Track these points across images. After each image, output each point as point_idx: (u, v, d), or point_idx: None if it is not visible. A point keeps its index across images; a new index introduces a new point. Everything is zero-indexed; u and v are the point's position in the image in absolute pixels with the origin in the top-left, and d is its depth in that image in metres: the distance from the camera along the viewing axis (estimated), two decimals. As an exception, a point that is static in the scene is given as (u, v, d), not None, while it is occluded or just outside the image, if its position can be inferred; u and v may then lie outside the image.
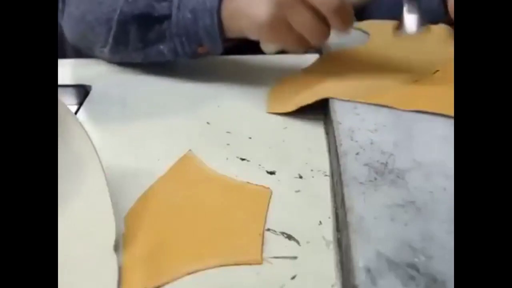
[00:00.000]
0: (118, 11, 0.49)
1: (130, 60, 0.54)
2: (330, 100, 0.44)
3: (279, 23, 0.43)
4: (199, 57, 0.52)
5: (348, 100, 0.43)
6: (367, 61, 0.48)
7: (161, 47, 0.51)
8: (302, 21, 0.42)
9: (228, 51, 0.54)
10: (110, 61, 0.57)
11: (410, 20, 0.44)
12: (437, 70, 0.46)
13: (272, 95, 0.51)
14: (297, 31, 0.43)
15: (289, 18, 0.42)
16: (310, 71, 0.51)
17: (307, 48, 0.45)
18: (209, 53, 0.51)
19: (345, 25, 0.43)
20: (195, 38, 0.49)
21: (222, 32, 0.48)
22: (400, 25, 0.45)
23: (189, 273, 0.31)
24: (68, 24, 0.56)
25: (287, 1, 0.41)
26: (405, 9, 0.44)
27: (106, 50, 0.53)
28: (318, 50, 0.60)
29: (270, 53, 0.50)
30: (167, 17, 0.48)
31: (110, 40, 0.52)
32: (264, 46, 0.50)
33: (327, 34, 0.44)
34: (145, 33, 0.50)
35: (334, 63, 0.50)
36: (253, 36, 0.47)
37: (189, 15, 0.47)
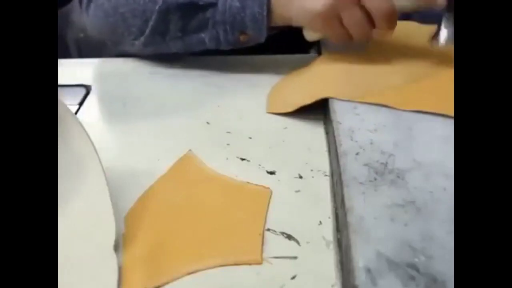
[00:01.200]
0: (160, 1, 0.50)
1: (165, 51, 0.54)
2: (330, 100, 0.44)
3: (332, 16, 0.45)
4: (240, 46, 0.52)
5: (348, 100, 0.43)
6: (367, 61, 0.49)
7: (202, 35, 0.51)
8: (353, 19, 0.45)
9: (228, 51, 0.54)
10: (141, 53, 0.57)
11: (447, 33, 0.46)
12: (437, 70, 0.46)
13: (272, 95, 0.51)
14: (346, 26, 0.45)
15: (341, 13, 0.45)
16: (309, 71, 0.51)
17: (348, 43, 0.47)
18: (251, 42, 0.52)
19: (389, 30, 0.45)
20: (240, 26, 0.50)
21: (269, 20, 0.49)
22: (435, 36, 0.47)
23: (189, 273, 0.31)
24: (95, 17, 0.55)
25: None
26: (443, 21, 0.46)
27: (139, 42, 0.54)
28: (318, 50, 0.60)
29: (311, 40, 0.51)
30: (212, 5, 0.49)
31: (147, 31, 0.52)
32: (307, 34, 0.51)
33: (370, 35, 0.46)
34: (187, 22, 0.51)
35: (334, 63, 0.50)
36: (301, 24, 0.49)
37: (237, 4, 0.49)
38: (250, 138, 0.45)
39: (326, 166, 0.41)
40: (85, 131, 0.35)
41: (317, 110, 0.48)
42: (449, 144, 0.36)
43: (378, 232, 0.29)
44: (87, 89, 0.54)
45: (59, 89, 0.33)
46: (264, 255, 0.32)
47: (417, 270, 0.26)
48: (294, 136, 0.45)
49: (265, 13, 0.48)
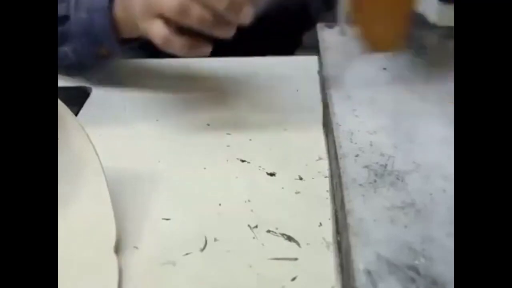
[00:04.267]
0: None
1: None
2: (330, 102, 0.44)
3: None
4: (104, 60, 0.50)
5: (348, 101, 0.43)
6: None
7: (66, 48, 0.50)
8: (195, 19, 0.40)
9: (227, 52, 0.54)
10: None
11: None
12: None
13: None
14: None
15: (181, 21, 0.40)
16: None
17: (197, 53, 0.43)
18: (112, 55, 0.50)
19: (241, 18, 0.41)
20: (95, 39, 0.48)
21: (115, 31, 0.47)
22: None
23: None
24: None
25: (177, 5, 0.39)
26: None
27: None
28: (316, 49, 0.60)
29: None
30: (67, 18, 0.48)
31: None
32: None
33: (224, 31, 0.41)
34: None
35: None
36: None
37: (85, 15, 0.47)
38: (250, 140, 0.45)
39: (326, 168, 0.41)
40: (85, 132, 0.35)
41: (317, 112, 0.48)
42: (449, 146, 0.36)
43: (378, 234, 0.29)
44: (87, 91, 0.54)
45: (59, 91, 0.33)
46: (264, 256, 0.32)
47: (418, 272, 0.26)
48: (294, 137, 0.45)
49: (108, 25, 0.46)
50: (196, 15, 0.40)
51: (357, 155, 0.36)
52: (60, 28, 0.48)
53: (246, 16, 0.41)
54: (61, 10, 0.48)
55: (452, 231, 0.29)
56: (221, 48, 0.50)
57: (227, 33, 0.42)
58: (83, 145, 0.35)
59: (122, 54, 0.48)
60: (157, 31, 0.41)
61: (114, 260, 0.31)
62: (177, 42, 0.41)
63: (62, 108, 0.34)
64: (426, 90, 0.44)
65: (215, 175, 0.41)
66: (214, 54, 0.53)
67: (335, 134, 0.39)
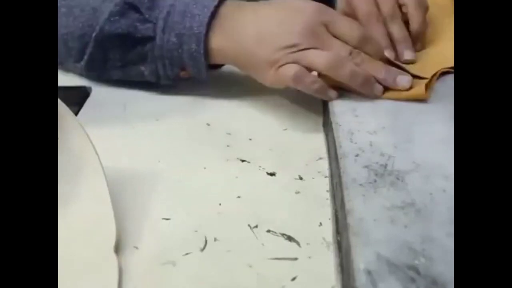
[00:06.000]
0: (97, 28, 0.48)
1: (107, 78, 0.53)
2: (330, 102, 0.44)
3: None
4: (180, 80, 0.50)
5: (348, 101, 0.43)
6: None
7: (142, 68, 0.50)
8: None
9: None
10: (86, 76, 0.55)
11: None
12: None
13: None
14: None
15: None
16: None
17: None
18: (193, 78, 0.49)
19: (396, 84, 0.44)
20: (179, 62, 0.47)
21: (207, 58, 0.46)
22: None
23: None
24: None
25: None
26: None
27: (80, 65, 0.52)
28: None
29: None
30: (151, 39, 0.47)
31: (86, 56, 0.50)
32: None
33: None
34: (125, 53, 0.49)
35: None
36: (249, 73, 0.47)
37: (174, 39, 0.46)
38: (250, 139, 0.45)
39: (326, 168, 0.41)
40: (85, 132, 0.35)
41: (317, 112, 0.48)
42: (449, 146, 0.36)
43: (378, 234, 0.29)
44: (87, 91, 0.54)
45: (59, 91, 0.33)
46: (264, 256, 0.32)
47: (418, 272, 0.26)
48: (294, 137, 0.45)
49: (202, 51, 0.45)
50: (349, 72, 0.42)
51: (357, 155, 0.36)
52: (140, 48, 0.48)
53: (403, 83, 0.43)
54: (147, 31, 0.47)
55: (452, 231, 0.29)
56: None
57: (375, 92, 0.44)
58: (83, 145, 0.35)
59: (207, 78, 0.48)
60: (290, 69, 0.42)
61: (114, 260, 0.31)
62: (308, 79, 0.43)
63: (62, 108, 0.34)
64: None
65: (215, 175, 0.41)
66: None
67: (335, 134, 0.39)
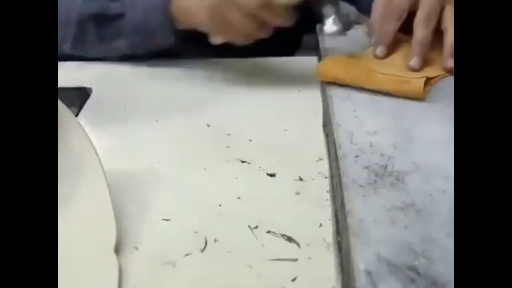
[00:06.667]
0: (75, 13, 0.54)
1: (91, 56, 0.59)
2: (330, 103, 0.44)
3: (219, 20, 0.48)
4: (155, 50, 0.56)
5: (348, 101, 0.43)
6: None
7: (118, 43, 0.55)
8: (234, 19, 0.47)
9: (228, 53, 0.54)
10: (73, 55, 0.60)
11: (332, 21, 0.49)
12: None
13: (323, 66, 0.50)
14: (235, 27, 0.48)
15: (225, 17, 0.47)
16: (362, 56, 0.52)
17: (253, 40, 0.49)
18: (163, 45, 0.55)
19: (277, 20, 0.47)
20: (150, 33, 0.53)
21: (172, 25, 0.52)
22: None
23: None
24: None
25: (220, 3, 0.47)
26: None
27: (66, 46, 0.57)
28: (316, 52, 0.60)
29: (216, 43, 0.52)
30: (121, 15, 0.54)
31: (70, 38, 0.56)
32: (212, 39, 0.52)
33: (259, 31, 0.48)
34: (102, 31, 0.55)
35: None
36: (200, 25, 0.51)
37: (140, 13, 0.53)
38: (250, 140, 0.45)
39: (326, 169, 0.41)
40: (86, 133, 0.35)
41: (317, 112, 0.48)
42: (449, 147, 0.36)
43: (378, 235, 0.29)
44: (88, 92, 0.54)
45: (60, 92, 0.33)
46: (264, 257, 0.32)
47: (418, 272, 0.26)
48: (294, 138, 0.45)
49: (167, 20, 0.51)
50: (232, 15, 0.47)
51: (357, 156, 0.36)
52: (113, 24, 0.54)
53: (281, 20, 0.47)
54: (116, 8, 0.54)
55: (452, 232, 0.29)
56: (222, 49, 0.50)
57: (261, 35, 0.48)
58: (83, 145, 0.35)
59: (175, 44, 0.54)
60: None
61: (114, 260, 0.31)
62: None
63: (62, 108, 0.34)
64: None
65: (215, 176, 0.41)
66: (215, 54, 0.53)
67: (335, 134, 0.39)
